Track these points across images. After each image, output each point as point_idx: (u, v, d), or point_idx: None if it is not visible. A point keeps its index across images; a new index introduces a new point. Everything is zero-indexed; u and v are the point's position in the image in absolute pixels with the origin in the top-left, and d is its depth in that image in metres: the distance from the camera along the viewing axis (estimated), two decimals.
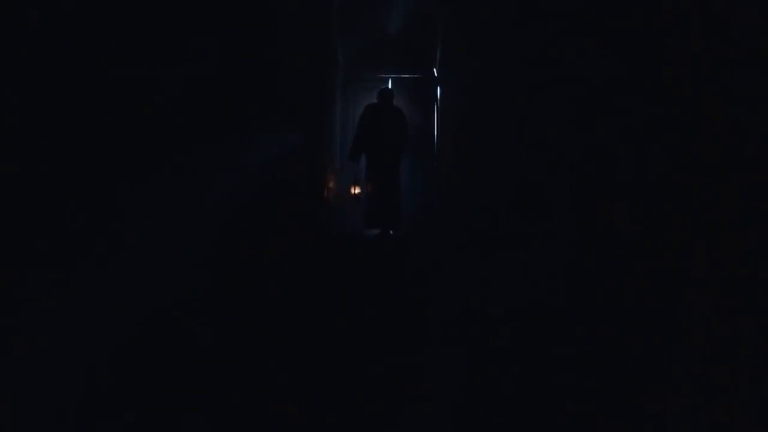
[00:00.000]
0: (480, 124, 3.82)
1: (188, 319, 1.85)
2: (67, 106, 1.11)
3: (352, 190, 8.15)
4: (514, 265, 2.68)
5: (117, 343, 1.36)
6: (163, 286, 1.64)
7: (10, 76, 0.96)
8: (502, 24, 3.12)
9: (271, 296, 3.09)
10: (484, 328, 2.92)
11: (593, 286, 1.68)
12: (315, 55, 4.97)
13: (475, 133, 4.05)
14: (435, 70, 7.96)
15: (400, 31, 8.28)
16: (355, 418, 2.14)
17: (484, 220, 3.46)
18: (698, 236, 1.13)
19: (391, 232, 6.75)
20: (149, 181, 1.52)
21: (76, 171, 1.15)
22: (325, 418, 2.12)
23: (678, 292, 1.20)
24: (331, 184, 6.67)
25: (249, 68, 2.57)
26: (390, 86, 8.37)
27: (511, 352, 2.44)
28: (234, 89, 2.33)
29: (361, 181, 7.66)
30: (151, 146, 1.52)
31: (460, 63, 5.02)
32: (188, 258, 1.84)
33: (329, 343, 2.89)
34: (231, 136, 2.29)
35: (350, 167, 7.58)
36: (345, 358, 2.69)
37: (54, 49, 1.07)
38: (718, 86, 1.09)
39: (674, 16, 1.25)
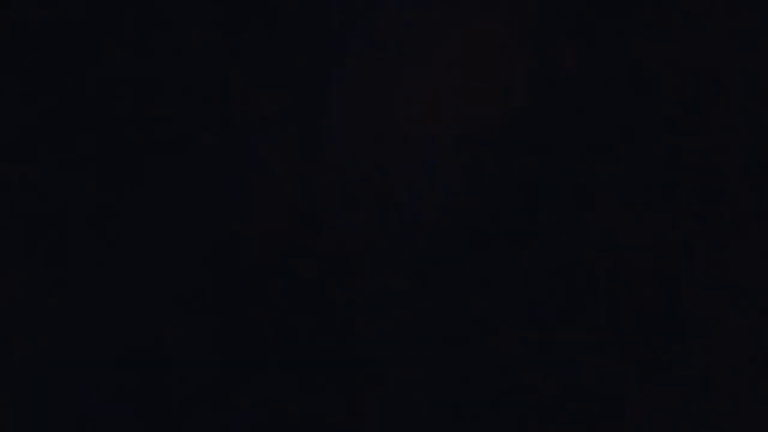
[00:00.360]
0: None
1: (188, 319, 1.85)
2: (67, 106, 1.11)
3: None
4: (514, 265, 2.68)
5: (117, 343, 1.36)
6: (163, 286, 1.64)
7: (9, 76, 0.95)
8: None
9: (270, 296, 3.09)
10: (484, 328, 2.92)
11: (593, 286, 1.68)
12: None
13: None
14: None
15: None
16: (355, 417, 2.14)
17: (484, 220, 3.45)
18: (698, 236, 1.13)
19: None
20: (149, 181, 1.51)
21: (76, 171, 1.15)
22: (325, 418, 2.12)
23: (678, 292, 1.20)
24: None
25: (249, 68, 2.56)
26: None
27: (512, 352, 2.44)
28: (234, 89, 2.32)
29: None
30: (151, 146, 1.52)
31: None
32: (188, 258, 1.84)
33: (329, 343, 2.89)
34: (231, 135, 2.29)
35: None
36: (345, 357, 2.69)
37: (54, 48, 1.07)
38: (718, 86, 1.08)
39: (674, 16, 1.24)
